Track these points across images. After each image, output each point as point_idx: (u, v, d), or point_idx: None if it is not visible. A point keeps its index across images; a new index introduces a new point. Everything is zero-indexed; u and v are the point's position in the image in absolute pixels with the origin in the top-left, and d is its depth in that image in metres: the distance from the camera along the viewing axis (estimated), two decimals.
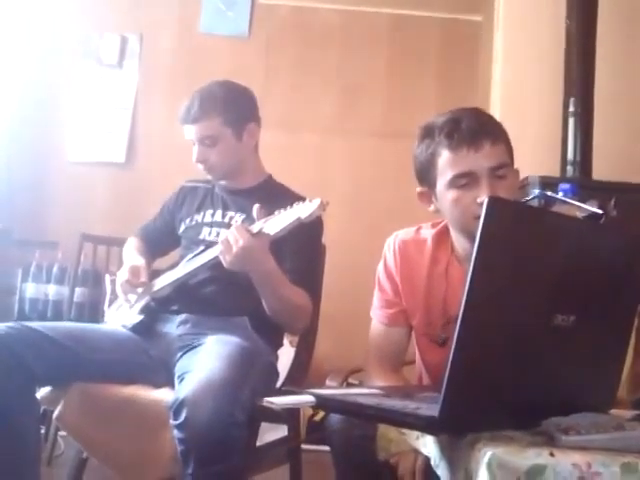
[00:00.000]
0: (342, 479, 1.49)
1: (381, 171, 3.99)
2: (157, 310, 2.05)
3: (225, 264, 1.84)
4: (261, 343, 1.96)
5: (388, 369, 1.69)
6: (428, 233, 1.72)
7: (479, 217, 1.04)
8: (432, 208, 1.64)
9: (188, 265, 2.03)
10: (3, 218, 3.83)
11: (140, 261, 2.11)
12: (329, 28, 4.16)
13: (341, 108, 4.12)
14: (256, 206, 1.83)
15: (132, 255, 2.19)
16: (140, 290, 2.06)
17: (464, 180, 1.52)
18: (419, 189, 1.65)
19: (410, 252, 1.71)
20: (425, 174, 1.60)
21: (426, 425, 1.08)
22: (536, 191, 2.27)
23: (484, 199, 1.46)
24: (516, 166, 1.63)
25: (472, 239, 1.54)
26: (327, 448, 1.48)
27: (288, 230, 1.77)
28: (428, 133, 1.58)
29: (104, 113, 4.15)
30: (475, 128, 1.52)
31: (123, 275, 2.06)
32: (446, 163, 1.54)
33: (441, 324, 1.65)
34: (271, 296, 1.92)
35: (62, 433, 2.65)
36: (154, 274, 2.12)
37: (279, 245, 1.88)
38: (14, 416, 1.71)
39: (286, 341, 2.24)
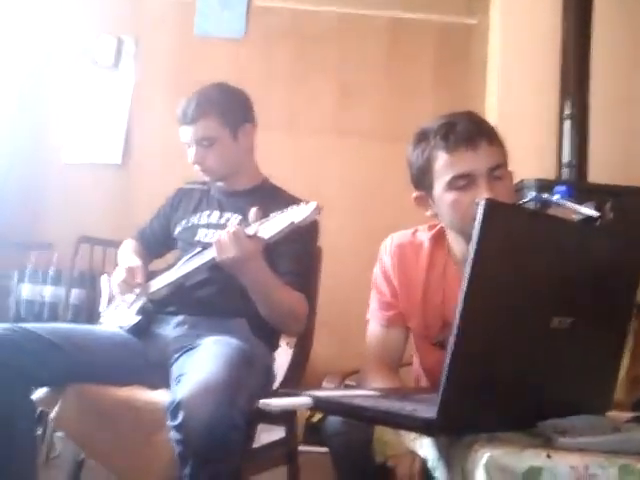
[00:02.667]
0: None
1: (378, 173, 4.00)
2: (154, 311, 2.05)
3: (220, 262, 1.84)
4: (258, 344, 1.96)
5: (386, 370, 1.69)
6: (425, 235, 1.72)
7: None
8: (429, 212, 1.64)
9: (185, 267, 2.02)
10: None
11: (136, 262, 2.11)
12: (326, 30, 4.17)
13: (338, 110, 4.12)
14: (253, 209, 1.83)
15: (128, 256, 2.19)
16: (137, 290, 2.06)
17: (462, 182, 1.53)
18: (416, 194, 1.65)
19: (407, 254, 1.71)
20: (421, 179, 1.60)
21: (423, 427, 1.08)
22: (532, 194, 2.27)
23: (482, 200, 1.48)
24: (511, 168, 1.64)
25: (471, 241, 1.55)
26: (325, 450, 1.48)
27: (283, 234, 1.77)
28: (423, 137, 1.58)
29: (100, 115, 4.15)
30: (471, 129, 1.53)
31: (120, 275, 2.06)
32: (444, 165, 1.54)
33: (439, 326, 1.65)
34: (263, 299, 1.92)
35: (58, 434, 2.65)
36: (151, 275, 2.12)
37: (275, 248, 1.88)
38: (10, 417, 1.70)
39: (283, 343, 2.24)
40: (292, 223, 1.73)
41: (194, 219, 2.18)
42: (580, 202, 2.16)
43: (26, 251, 3.65)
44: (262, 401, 1.22)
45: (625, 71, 3.43)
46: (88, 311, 3.22)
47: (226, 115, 2.09)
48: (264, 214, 1.83)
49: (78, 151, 4.12)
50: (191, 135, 2.09)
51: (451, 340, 1.02)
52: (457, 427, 1.08)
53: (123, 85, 4.17)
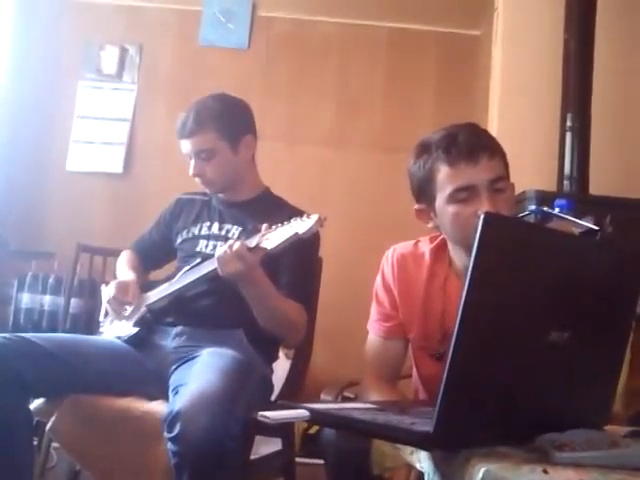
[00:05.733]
0: None
1: (378, 184, 4.00)
2: (153, 322, 2.05)
3: (222, 274, 1.84)
4: (256, 356, 1.95)
5: (384, 382, 1.69)
6: (426, 247, 1.72)
7: None
8: (431, 225, 1.64)
9: (184, 278, 2.02)
10: (0, 227, 3.83)
11: (129, 276, 2.10)
12: (328, 41, 4.18)
13: (339, 121, 4.13)
14: (264, 226, 1.82)
15: (123, 270, 2.19)
16: (127, 307, 2.05)
17: (464, 194, 1.52)
18: (417, 206, 1.64)
19: (408, 266, 1.71)
20: (423, 191, 1.60)
21: (420, 441, 1.07)
22: (532, 207, 2.27)
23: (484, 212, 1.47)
24: (512, 180, 1.63)
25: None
26: (321, 462, 1.47)
27: (285, 245, 1.77)
28: (425, 149, 1.58)
29: (103, 123, 4.16)
30: (472, 142, 1.53)
31: (110, 292, 2.05)
32: (445, 178, 1.54)
33: (438, 338, 1.64)
34: (263, 309, 1.92)
35: (55, 445, 2.63)
36: (150, 285, 2.12)
37: (276, 259, 1.88)
38: (7, 427, 1.69)
39: (282, 354, 2.23)
40: (296, 234, 1.73)
41: (195, 230, 2.18)
42: (580, 214, 2.16)
43: (26, 259, 3.66)
44: (260, 414, 1.21)
45: (627, 83, 3.43)
46: (87, 320, 3.21)
47: (224, 128, 2.08)
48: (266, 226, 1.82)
49: (80, 159, 4.12)
50: (190, 148, 2.09)
51: (449, 354, 1.02)
52: (454, 441, 1.07)
53: (126, 94, 4.18)
